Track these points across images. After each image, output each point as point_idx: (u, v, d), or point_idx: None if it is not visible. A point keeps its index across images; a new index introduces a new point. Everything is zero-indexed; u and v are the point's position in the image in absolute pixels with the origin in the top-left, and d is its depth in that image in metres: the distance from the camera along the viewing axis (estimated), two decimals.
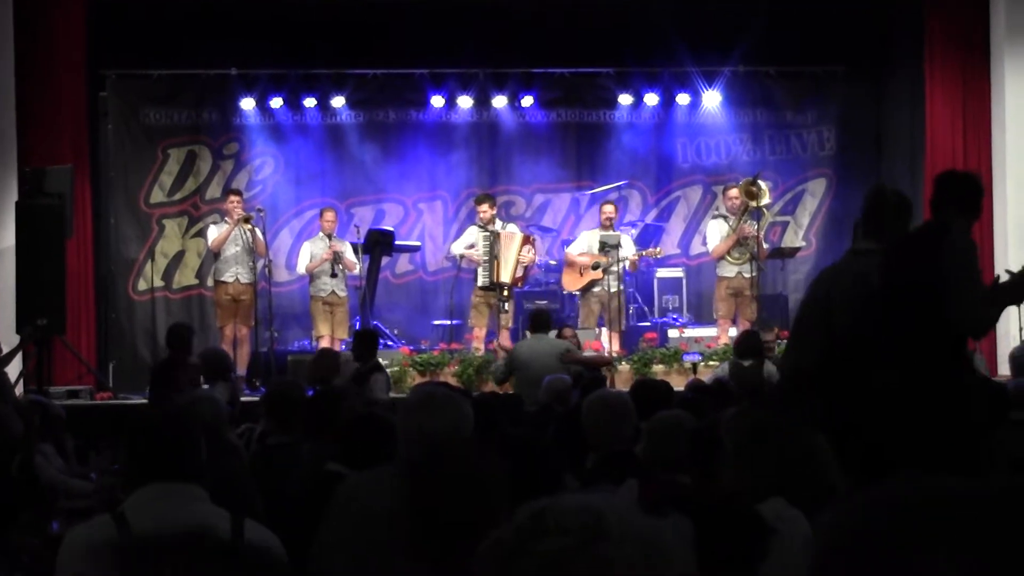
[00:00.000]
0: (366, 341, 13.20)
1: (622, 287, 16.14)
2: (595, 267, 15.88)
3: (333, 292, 16.23)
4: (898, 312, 6.58)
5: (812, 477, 4.41)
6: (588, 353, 14.02)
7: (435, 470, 3.42)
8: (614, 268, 15.96)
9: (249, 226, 16.06)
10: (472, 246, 16.06)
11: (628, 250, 16.29)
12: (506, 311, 15.81)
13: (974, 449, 6.48)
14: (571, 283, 16.38)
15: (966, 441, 6.45)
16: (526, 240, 16.18)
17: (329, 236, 16.41)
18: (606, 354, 14.75)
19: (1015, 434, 7.90)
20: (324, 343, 16.11)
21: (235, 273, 16.04)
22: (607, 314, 15.91)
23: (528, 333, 13.96)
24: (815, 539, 1.89)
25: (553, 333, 13.92)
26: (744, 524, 3.93)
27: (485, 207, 16.16)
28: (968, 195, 6.82)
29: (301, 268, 16.56)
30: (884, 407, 6.53)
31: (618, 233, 16.23)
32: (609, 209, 16.39)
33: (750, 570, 3.72)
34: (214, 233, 16.32)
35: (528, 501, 1.84)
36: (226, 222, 16.30)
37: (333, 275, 16.22)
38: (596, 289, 16.03)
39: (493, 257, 15.76)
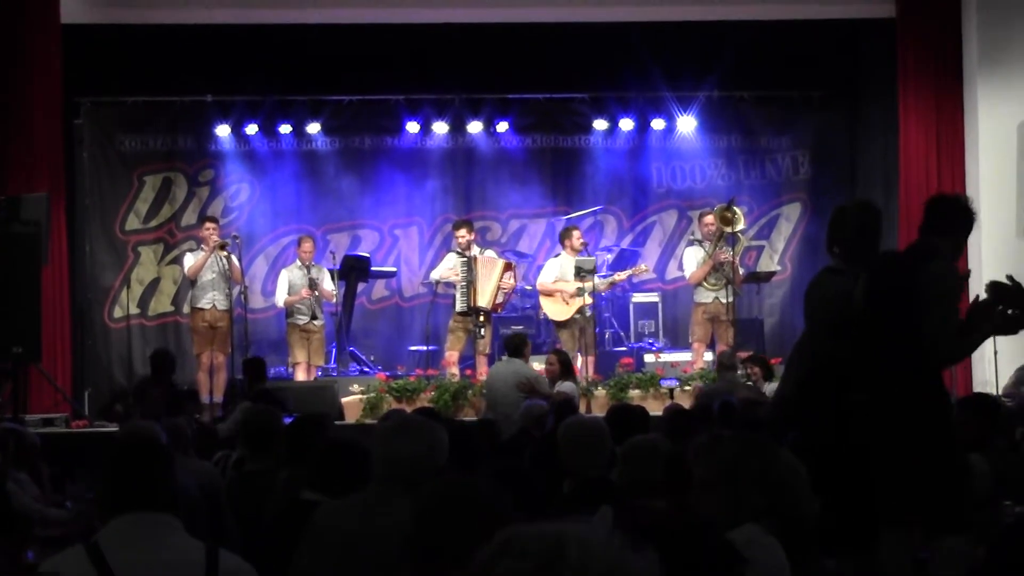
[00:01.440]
0: (253, 368, 13.40)
1: (593, 313, 16.13)
2: (579, 292, 15.84)
3: (312, 320, 16.22)
4: (876, 334, 6.60)
5: (783, 500, 4.42)
6: (567, 390, 13.68)
7: (444, 499, 3.44)
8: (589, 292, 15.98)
9: (225, 253, 16.04)
10: (451, 269, 16.01)
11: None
12: (482, 336, 15.79)
13: (951, 472, 6.50)
14: (557, 313, 16.24)
15: (942, 463, 6.47)
16: (508, 267, 16.15)
17: (308, 267, 16.36)
18: (568, 390, 14.25)
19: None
20: (300, 370, 16.11)
21: (212, 300, 16.02)
22: (583, 339, 15.91)
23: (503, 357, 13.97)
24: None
25: (542, 359, 13.99)
26: (716, 552, 3.95)
27: (463, 232, 16.13)
28: (958, 219, 6.81)
29: (279, 300, 16.51)
30: (856, 429, 6.55)
31: (593, 258, 16.23)
32: (577, 234, 16.36)
33: None
34: (190, 261, 16.29)
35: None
36: (202, 249, 16.27)
37: (314, 317, 16.23)
38: (577, 316, 16.01)
39: (470, 282, 15.75)
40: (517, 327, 16.70)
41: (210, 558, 4.10)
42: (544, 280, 16.35)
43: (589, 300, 15.81)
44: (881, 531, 6.47)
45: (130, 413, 12.89)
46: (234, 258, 16.13)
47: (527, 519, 3.59)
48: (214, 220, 16.62)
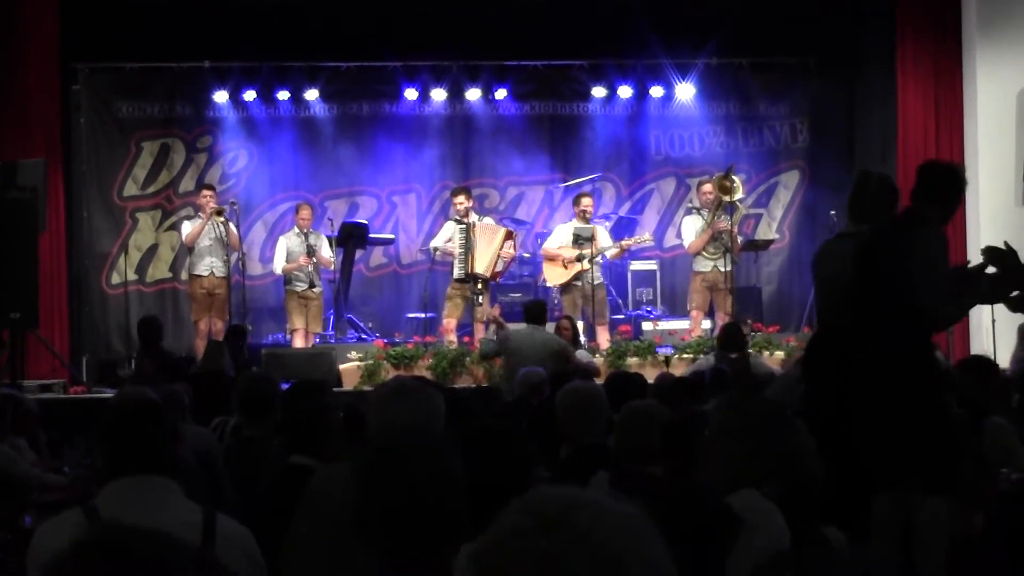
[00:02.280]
0: (146, 329, 13.52)
1: (603, 280, 16.18)
2: (579, 258, 15.82)
3: (309, 286, 16.20)
4: (869, 299, 6.62)
5: (794, 468, 4.43)
6: (583, 358, 13.87)
7: (389, 465, 3.42)
8: (597, 260, 15.97)
9: (222, 219, 16.03)
10: (449, 240, 15.99)
11: (606, 241, 16.29)
12: (480, 304, 15.77)
13: (937, 432, 6.53)
14: (555, 277, 16.23)
15: (928, 424, 6.50)
16: (509, 235, 16.11)
17: (306, 234, 16.32)
18: (583, 358, 14.50)
19: None
20: (298, 336, 16.10)
21: (209, 266, 16.01)
22: (591, 307, 15.90)
23: (524, 323, 13.83)
24: None
25: (551, 326, 13.96)
26: (713, 515, 3.95)
27: (461, 198, 16.08)
28: (949, 186, 6.84)
29: (277, 267, 16.48)
30: (852, 392, 6.58)
31: (592, 226, 16.19)
32: (587, 202, 16.32)
33: (718, 560, 3.74)
34: (187, 228, 16.27)
35: (497, 492, 1.86)
36: (199, 217, 16.25)
37: (311, 285, 16.22)
38: (578, 283, 15.97)
39: (468, 249, 15.72)
40: (515, 294, 16.74)
41: (207, 522, 4.11)
42: (549, 244, 16.33)
43: (586, 267, 15.78)
44: (875, 497, 6.50)
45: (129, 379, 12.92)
46: (231, 225, 16.12)
47: (514, 484, 3.60)
48: (211, 187, 16.62)
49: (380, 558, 3.18)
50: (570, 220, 16.48)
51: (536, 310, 13.68)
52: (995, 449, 7.27)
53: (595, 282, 15.88)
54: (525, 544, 1.76)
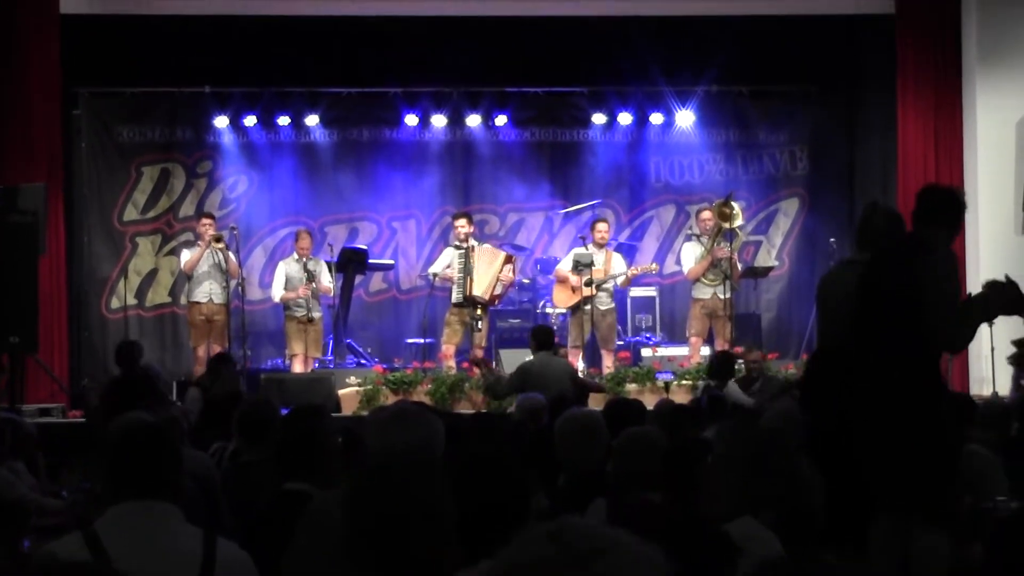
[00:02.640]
0: (124, 354, 13.31)
1: (614, 304, 16.20)
2: (588, 284, 15.79)
3: (308, 312, 16.19)
4: (875, 324, 6.62)
5: (794, 496, 4.43)
6: (595, 379, 14.00)
7: (378, 489, 3.42)
8: (607, 285, 15.99)
9: (222, 245, 16.04)
10: (448, 266, 15.99)
11: (620, 267, 16.31)
12: (479, 330, 15.76)
13: (948, 462, 6.52)
14: (563, 300, 16.25)
15: (940, 453, 6.49)
16: (509, 259, 16.13)
17: (305, 262, 16.29)
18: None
19: None
20: (297, 362, 16.10)
21: (208, 292, 16.02)
22: (599, 332, 15.90)
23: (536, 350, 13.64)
24: None
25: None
26: (711, 543, 3.95)
27: (463, 222, 16.09)
28: (949, 209, 6.86)
29: (276, 295, 16.45)
30: (855, 417, 6.57)
31: (591, 252, 16.19)
32: (602, 227, 16.38)
33: None
34: (186, 256, 16.29)
35: (495, 518, 1.86)
36: (198, 244, 16.27)
37: (310, 319, 16.18)
38: (587, 307, 15.96)
39: (467, 272, 15.72)
40: (514, 320, 16.76)
41: (208, 546, 4.11)
42: (561, 267, 16.33)
43: (591, 292, 15.73)
44: (873, 521, 6.49)
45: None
46: (231, 253, 16.14)
47: (512, 512, 3.59)
48: (211, 216, 16.65)
49: None
50: (585, 245, 16.45)
51: (547, 336, 13.43)
52: (976, 477, 7.27)
53: (603, 308, 15.89)
54: (548, 573, 1.76)
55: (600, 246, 16.26)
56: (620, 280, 16.25)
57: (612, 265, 16.18)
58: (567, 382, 12.42)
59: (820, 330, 7.61)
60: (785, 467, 4.43)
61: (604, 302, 15.98)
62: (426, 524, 3.24)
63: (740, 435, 4.63)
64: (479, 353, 15.04)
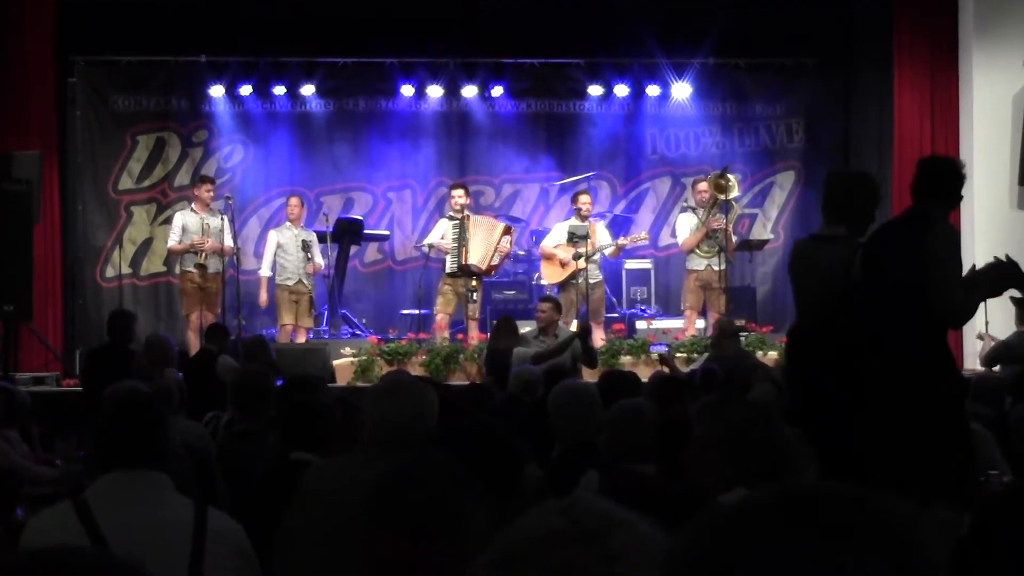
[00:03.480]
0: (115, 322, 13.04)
1: (602, 277, 16.19)
2: (576, 257, 15.78)
3: (300, 281, 16.12)
4: (880, 302, 6.60)
5: (784, 467, 4.43)
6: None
7: (407, 490, 3.43)
8: (595, 258, 15.97)
9: (219, 219, 15.95)
10: (443, 237, 16.00)
11: (605, 239, 16.31)
12: (475, 301, 15.77)
13: (959, 442, 6.52)
14: (552, 276, 16.17)
15: (958, 432, 6.49)
16: (507, 231, 16.17)
17: (302, 239, 16.17)
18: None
19: None
20: (285, 332, 16.03)
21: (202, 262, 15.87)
22: (589, 305, 15.89)
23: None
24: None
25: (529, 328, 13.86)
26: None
27: (460, 193, 16.13)
28: (949, 180, 6.83)
29: (266, 268, 16.34)
30: (868, 396, 6.55)
31: (590, 223, 16.20)
32: (584, 199, 16.32)
33: None
34: (179, 222, 15.92)
35: (485, 487, 1.86)
36: (192, 210, 16.09)
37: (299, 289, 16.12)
38: (575, 281, 15.93)
39: (463, 242, 15.72)
40: (509, 292, 16.75)
41: (199, 516, 4.11)
42: (546, 243, 16.30)
43: (583, 265, 15.73)
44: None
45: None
46: (227, 234, 16.02)
47: (504, 481, 3.59)
48: (210, 181, 16.52)
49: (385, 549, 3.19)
50: (567, 218, 16.48)
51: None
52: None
53: (592, 280, 15.86)
54: (556, 547, 1.77)
55: (584, 218, 16.22)
56: (609, 251, 16.22)
57: (597, 237, 16.16)
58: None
59: (800, 307, 7.58)
60: (765, 440, 4.41)
61: (593, 275, 15.91)
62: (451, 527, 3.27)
63: (713, 413, 4.61)
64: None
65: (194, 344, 15.43)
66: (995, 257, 6.66)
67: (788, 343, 7.88)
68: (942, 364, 6.62)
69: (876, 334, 6.60)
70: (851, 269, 6.81)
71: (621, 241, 16.37)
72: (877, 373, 6.56)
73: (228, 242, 16.14)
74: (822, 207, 7.30)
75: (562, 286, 16.03)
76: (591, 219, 16.46)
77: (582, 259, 15.68)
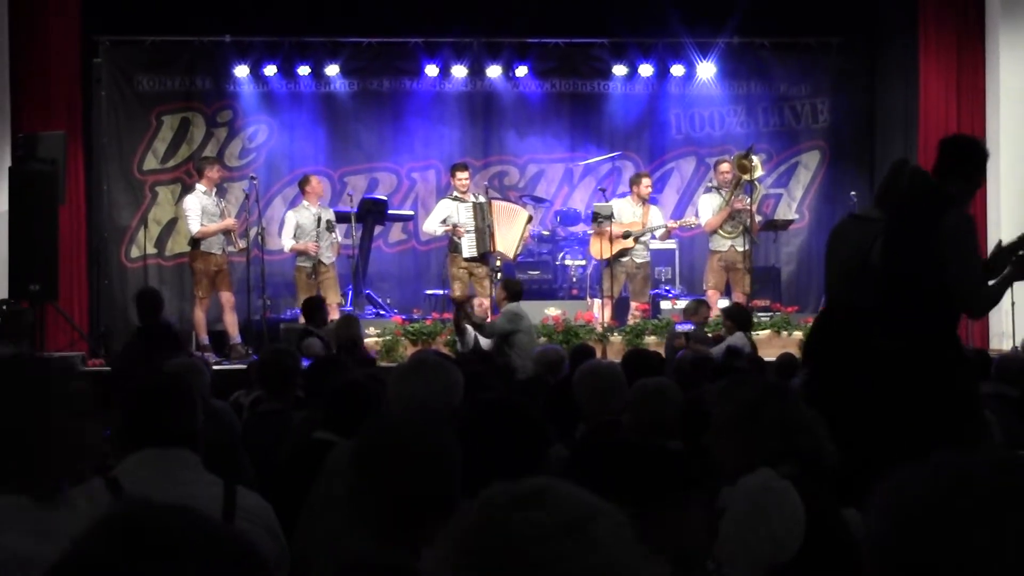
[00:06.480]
0: (144, 301, 12.93)
1: (649, 259, 16.28)
2: (625, 236, 15.88)
3: (319, 261, 16.00)
4: (895, 285, 6.57)
5: (804, 445, 4.42)
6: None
7: (384, 446, 3.47)
8: (644, 238, 16.05)
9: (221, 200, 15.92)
10: (446, 219, 15.95)
11: (658, 220, 16.41)
12: (499, 283, 15.79)
13: (971, 421, 6.50)
14: (596, 251, 16.36)
15: (964, 412, 6.47)
16: (529, 219, 16.34)
17: (319, 216, 16.08)
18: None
19: None
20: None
21: (220, 244, 15.62)
22: (633, 284, 16.04)
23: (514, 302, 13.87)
24: (873, 512, 1.94)
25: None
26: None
27: (465, 175, 16.15)
28: (972, 161, 6.77)
29: (286, 245, 16.24)
30: (885, 377, 6.52)
31: (610, 204, 16.20)
32: (647, 182, 16.57)
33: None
34: (196, 214, 15.53)
35: (512, 466, 1.86)
36: (204, 192, 15.84)
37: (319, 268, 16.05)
38: (624, 259, 16.07)
39: (487, 227, 15.71)
40: (533, 272, 16.78)
41: (228, 495, 4.12)
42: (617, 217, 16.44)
43: (630, 244, 15.86)
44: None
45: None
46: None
47: (529, 459, 3.61)
48: (218, 161, 16.57)
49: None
50: (624, 196, 16.65)
51: (519, 287, 14.04)
52: None
53: (640, 260, 16.02)
54: (533, 536, 1.76)
55: (643, 200, 16.31)
56: (660, 233, 16.37)
57: (650, 218, 16.24)
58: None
59: (828, 285, 7.55)
60: (780, 418, 4.40)
61: (641, 255, 16.16)
62: (429, 469, 3.31)
63: (726, 396, 4.60)
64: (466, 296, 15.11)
65: (200, 322, 15.43)
66: (1020, 236, 6.61)
67: (815, 321, 7.85)
68: (950, 349, 6.59)
69: (887, 315, 6.58)
70: (873, 250, 6.76)
71: (671, 224, 16.46)
72: (888, 354, 6.54)
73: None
74: (879, 190, 7.25)
75: (608, 262, 16.07)
76: (611, 198, 16.53)
77: (630, 238, 15.80)
